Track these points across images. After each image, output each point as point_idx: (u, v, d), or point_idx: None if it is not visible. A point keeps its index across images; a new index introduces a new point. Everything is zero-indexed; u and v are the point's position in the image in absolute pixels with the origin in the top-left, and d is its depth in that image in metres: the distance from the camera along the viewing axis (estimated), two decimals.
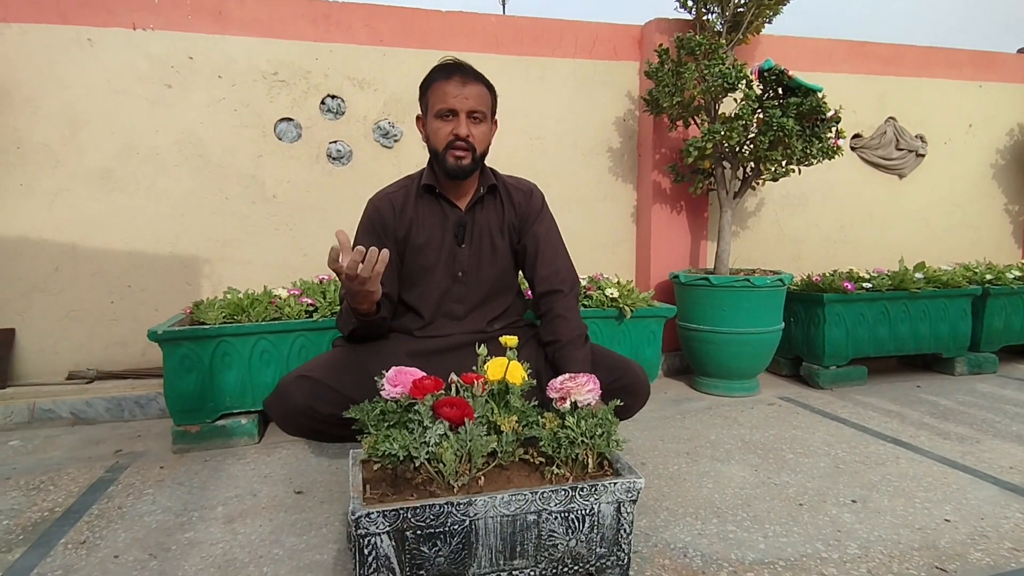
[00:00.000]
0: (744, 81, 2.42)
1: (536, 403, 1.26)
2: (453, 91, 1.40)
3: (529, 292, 1.76)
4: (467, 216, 1.53)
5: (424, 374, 1.16)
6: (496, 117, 1.52)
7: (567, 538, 1.12)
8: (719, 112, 2.58)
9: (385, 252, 1.24)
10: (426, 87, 1.46)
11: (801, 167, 2.57)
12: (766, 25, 2.67)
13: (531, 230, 1.57)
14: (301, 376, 1.32)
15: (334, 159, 2.64)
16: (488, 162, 1.57)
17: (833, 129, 2.48)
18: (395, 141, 2.70)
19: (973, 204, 3.54)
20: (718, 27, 2.64)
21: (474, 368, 1.24)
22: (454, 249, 1.52)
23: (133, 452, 1.96)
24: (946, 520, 1.47)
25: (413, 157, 2.70)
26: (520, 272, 1.65)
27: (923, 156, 3.38)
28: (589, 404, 1.18)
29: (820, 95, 2.41)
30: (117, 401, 2.27)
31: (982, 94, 3.47)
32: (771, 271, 2.68)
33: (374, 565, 1.03)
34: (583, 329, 1.50)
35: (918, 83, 3.34)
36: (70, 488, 1.68)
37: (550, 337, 1.49)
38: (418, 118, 1.52)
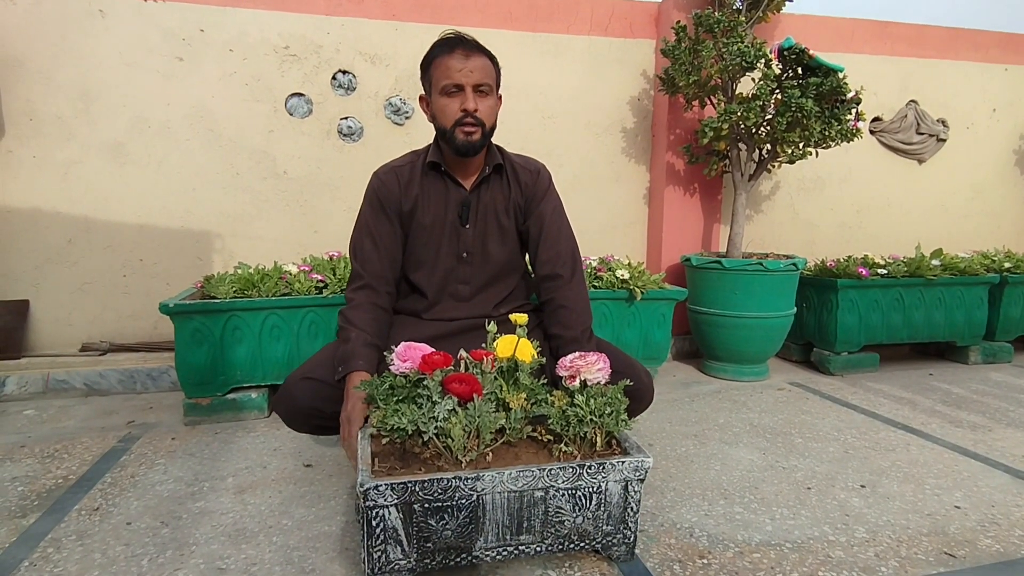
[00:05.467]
0: (763, 60, 2.36)
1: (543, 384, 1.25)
2: (457, 65, 1.36)
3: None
4: (472, 196, 1.50)
5: (433, 349, 1.16)
6: (500, 91, 1.49)
7: (574, 515, 1.12)
8: (736, 92, 2.53)
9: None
10: (428, 63, 1.41)
11: (819, 150, 2.52)
12: (787, 3, 2.61)
13: (536, 211, 1.53)
14: (305, 378, 1.32)
15: (345, 135, 2.63)
16: (499, 140, 1.54)
17: (853, 111, 2.43)
18: (406, 118, 2.68)
19: (994, 191, 3.47)
20: (737, 4, 2.57)
21: (483, 346, 1.24)
22: (458, 229, 1.50)
23: (145, 423, 1.99)
24: (956, 507, 1.46)
25: (424, 134, 2.67)
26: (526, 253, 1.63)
27: (944, 141, 3.31)
28: (599, 383, 1.18)
29: (841, 75, 2.36)
30: (130, 373, 2.30)
31: (1008, 77, 3.37)
32: (784, 255, 2.65)
33: (382, 536, 1.03)
34: (588, 321, 1.46)
35: (941, 65, 3.25)
36: (84, 457, 1.71)
37: (555, 330, 1.45)
38: (422, 97, 1.48)
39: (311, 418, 1.33)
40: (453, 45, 1.37)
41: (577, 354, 1.20)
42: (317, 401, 1.31)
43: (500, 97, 1.49)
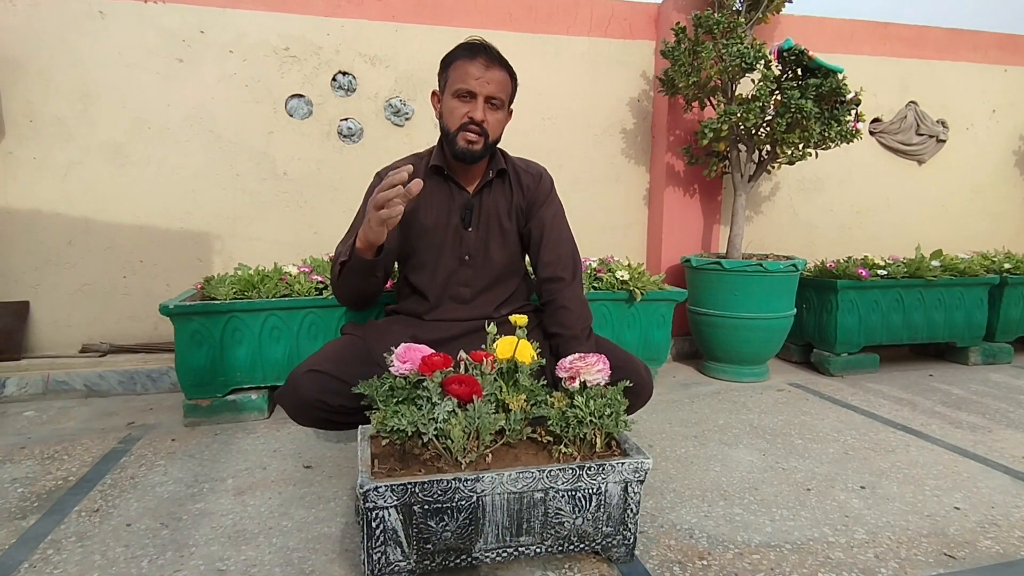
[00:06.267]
0: (762, 61, 2.36)
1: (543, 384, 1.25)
2: (475, 72, 1.37)
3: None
4: (474, 199, 1.51)
5: (433, 351, 1.16)
6: (512, 106, 1.50)
7: (574, 516, 1.12)
8: (736, 93, 2.53)
9: (418, 182, 1.18)
10: (448, 63, 1.42)
11: (818, 151, 2.53)
12: (786, 4, 2.61)
13: (537, 214, 1.55)
14: (311, 370, 1.33)
15: (345, 136, 2.63)
16: (499, 143, 1.55)
17: (852, 112, 2.43)
18: (406, 119, 2.68)
19: (994, 191, 3.47)
20: (737, 5, 2.57)
21: (483, 347, 1.24)
22: (460, 232, 1.51)
23: (145, 424, 1.99)
24: (956, 508, 1.46)
25: (424, 135, 2.68)
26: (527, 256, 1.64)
27: (944, 141, 3.31)
28: (598, 384, 1.18)
29: (840, 76, 2.36)
30: (130, 374, 2.30)
31: (1007, 78, 3.38)
32: (784, 256, 2.65)
33: (381, 538, 1.03)
34: (588, 321, 1.48)
35: (941, 66, 3.25)
36: (84, 458, 1.71)
37: (555, 329, 1.47)
38: (434, 93, 1.49)
39: (316, 410, 1.34)
40: (476, 52, 1.38)
41: (577, 355, 1.20)
42: (322, 393, 1.32)
43: (511, 112, 1.50)
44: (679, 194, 2.88)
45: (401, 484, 1.01)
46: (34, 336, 2.44)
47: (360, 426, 1.24)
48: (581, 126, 2.88)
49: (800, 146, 2.48)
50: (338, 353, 1.42)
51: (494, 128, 1.42)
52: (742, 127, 2.47)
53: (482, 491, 1.06)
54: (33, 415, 2.07)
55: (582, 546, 1.16)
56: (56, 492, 1.50)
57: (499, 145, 1.56)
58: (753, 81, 2.45)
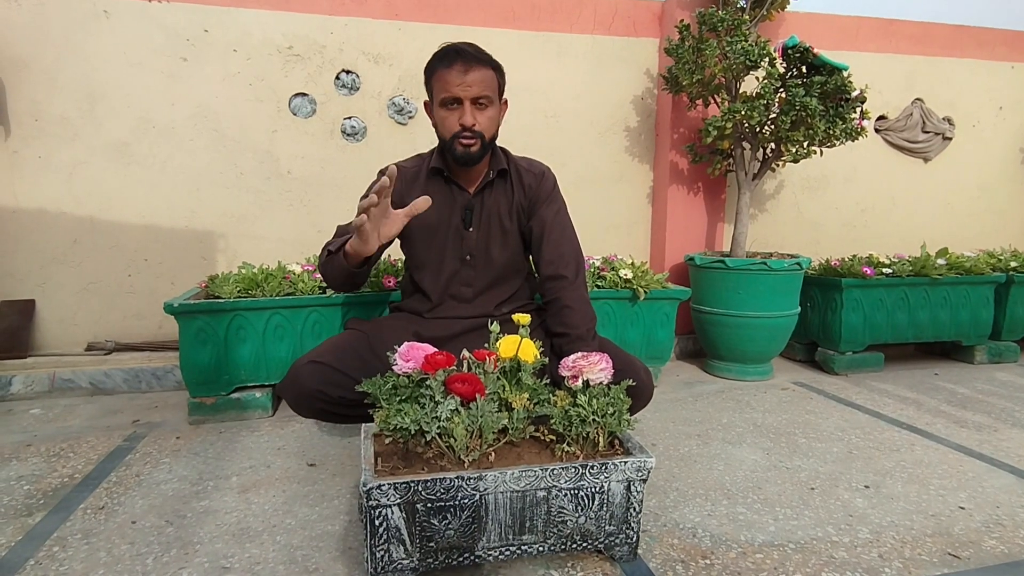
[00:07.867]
0: (767, 59, 2.35)
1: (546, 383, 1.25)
2: (455, 79, 1.37)
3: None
4: (475, 200, 1.52)
5: (436, 349, 1.16)
6: (505, 96, 1.50)
7: (576, 515, 1.12)
8: (740, 91, 2.52)
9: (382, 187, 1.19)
10: (429, 74, 1.43)
11: (823, 149, 2.51)
12: (791, 1, 2.60)
13: (539, 212, 1.55)
14: (312, 361, 1.34)
15: (348, 135, 2.63)
16: (502, 140, 1.54)
17: (858, 110, 2.42)
18: (409, 118, 2.68)
19: (1000, 189, 3.45)
20: (741, 3, 2.56)
21: (486, 345, 1.24)
22: (461, 232, 1.52)
23: (150, 422, 2.00)
24: (961, 507, 1.45)
25: (427, 134, 2.68)
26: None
27: (950, 139, 3.29)
28: (601, 383, 1.18)
29: (846, 74, 2.35)
30: (135, 372, 2.31)
31: (1014, 75, 3.35)
32: (789, 255, 2.64)
33: (384, 536, 1.04)
34: (592, 322, 1.48)
35: (947, 63, 3.23)
36: (89, 456, 1.72)
37: (559, 329, 1.47)
38: (426, 103, 1.50)
39: (316, 401, 1.34)
40: (452, 59, 1.37)
41: (580, 354, 1.20)
42: (323, 385, 1.32)
43: (505, 102, 1.50)
44: (683, 192, 2.88)
45: (404, 482, 1.01)
46: (40, 334, 2.45)
47: (363, 424, 1.24)
48: (584, 124, 2.88)
49: (805, 144, 2.47)
50: (340, 346, 1.42)
51: (487, 127, 1.42)
52: (746, 125, 2.46)
53: (485, 489, 1.06)
54: (39, 413, 2.08)
55: (585, 545, 1.16)
56: (62, 489, 1.51)
57: (502, 143, 1.56)
58: (757, 79, 2.44)
